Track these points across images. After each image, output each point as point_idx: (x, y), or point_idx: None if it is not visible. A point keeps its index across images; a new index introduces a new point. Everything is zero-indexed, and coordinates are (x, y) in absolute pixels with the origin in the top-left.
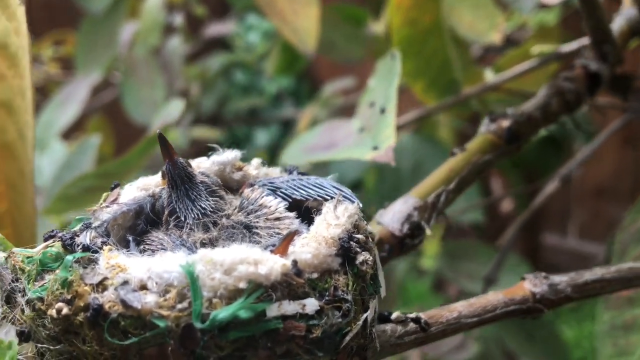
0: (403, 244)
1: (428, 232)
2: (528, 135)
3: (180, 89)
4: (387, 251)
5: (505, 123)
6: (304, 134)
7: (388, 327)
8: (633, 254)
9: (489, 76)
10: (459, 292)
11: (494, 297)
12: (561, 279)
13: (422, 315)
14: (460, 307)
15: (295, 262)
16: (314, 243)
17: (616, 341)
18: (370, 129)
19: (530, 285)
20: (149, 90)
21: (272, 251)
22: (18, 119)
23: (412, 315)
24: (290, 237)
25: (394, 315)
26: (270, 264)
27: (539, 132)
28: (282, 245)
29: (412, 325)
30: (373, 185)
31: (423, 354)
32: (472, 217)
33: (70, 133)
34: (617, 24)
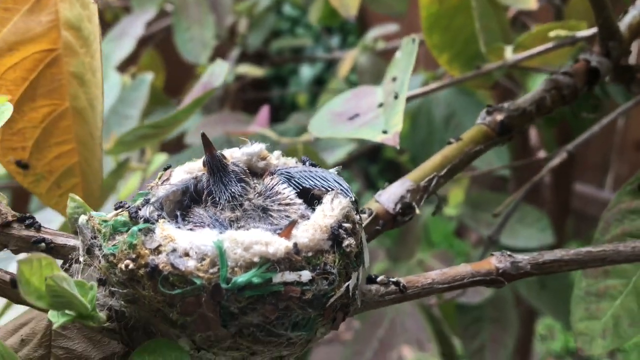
0: (395, 220)
1: (417, 211)
2: (520, 127)
3: (229, 25)
4: (381, 225)
5: (500, 117)
6: (333, 99)
7: (374, 287)
8: (613, 232)
9: (509, 54)
10: (479, 238)
11: (463, 269)
12: (523, 258)
13: (402, 280)
14: (434, 275)
15: (295, 244)
16: (311, 229)
17: (588, 306)
18: (386, 108)
19: (496, 261)
20: (198, 30)
21: (279, 234)
22: (88, 90)
23: (394, 279)
24: (292, 224)
25: (379, 278)
26: (276, 245)
27: (532, 122)
28: (286, 231)
29: (392, 287)
30: (406, 132)
31: (439, 296)
32: (500, 171)
33: (124, 65)
34: (629, 16)
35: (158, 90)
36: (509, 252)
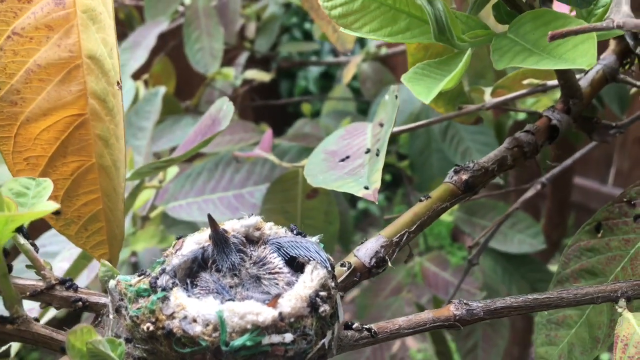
0: (370, 272)
1: (389, 264)
2: (484, 184)
3: (237, 30)
4: (359, 277)
5: (465, 176)
6: (327, 139)
7: (349, 333)
8: (572, 267)
9: (487, 96)
10: (474, 243)
11: (426, 316)
12: (477, 305)
13: (374, 327)
14: (400, 322)
15: (280, 313)
16: (293, 299)
17: (549, 332)
18: (370, 159)
19: (454, 309)
20: (208, 41)
21: (267, 304)
22: (112, 152)
23: (367, 326)
24: (277, 297)
25: (354, 325)
26: (265, 314)
27: (494, 178)
28: (273, 301)
29: (365, 332)
30: (406, 140)
31: (435, 297)
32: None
33: (138, 71)
34: (592, 72)
35: (170, 97)
36: (465, 301)
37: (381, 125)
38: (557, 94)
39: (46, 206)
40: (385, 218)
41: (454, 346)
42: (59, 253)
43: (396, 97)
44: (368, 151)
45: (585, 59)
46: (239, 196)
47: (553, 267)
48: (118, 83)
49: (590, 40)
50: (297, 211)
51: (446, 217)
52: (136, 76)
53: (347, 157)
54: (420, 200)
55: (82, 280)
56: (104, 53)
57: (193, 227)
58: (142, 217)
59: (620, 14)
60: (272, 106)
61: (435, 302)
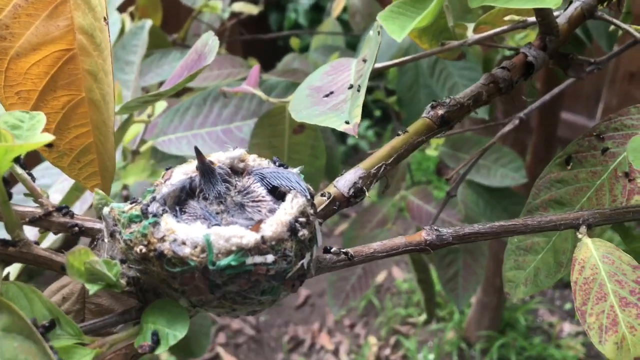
0: (349, 201)
1: (367, 194)
2: (459, 119)
3: None
4: (337, 206)
5: (441, 111)
6: (312, 75)
7: (328, 256)
8: (542, 198)
9: (469, 32)
10: (453, 174)
11: (399, 241)
12: (447, 231)
13: (350, 251)
14: (375, 246)
15: (262, 237)
16: (275, 224)
17: (517, 258)
18: (352, 95)
19: (425, 234)
20: None
21: (250, 229)
22: (101, 87)
23: (344, 250)
24: (259, 222)
25: (333, 249)
26: (248, 237)
27: (469, 113)
28: (256, 226)
29: (343, 256)
30: (394, 75)
31: (418, 228)
32: (481, 112)
33: (123, 5)
34: (571, 8)
35: (156, 30)
36: (436, 227)
37: (364, 61)
38: None
39: (42, 137)
40: (368, 152)
41: (435, 275)
42: (52, 186)
43: (379, 32)
44: (351, 87)
45: None
46: (227, 131)
47: None
48: (105, 19)
49: None
50: (284, 146)
51: (432, 152)
52: (122, 9)
53: (331, 93)
54: (398, 135)
55: (75, 212)
56: None
57: (182, 162)
58: (132, 151)
59: None
60: (261, 40)
61: None
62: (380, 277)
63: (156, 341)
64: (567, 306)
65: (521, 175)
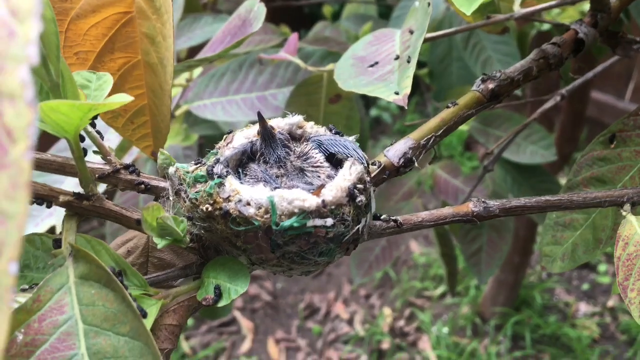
0: (398, 171)
1: (416, 164)
2: (508, 93)
3: None
4: (387, 175)
5: (491, 85)
6: (355, 44)
7: (378, 223)
8: (584, 175)
9: (516, 6)
10: (486, 152)
11: (447, 211)
12: (494, 204)
13: (399, 218)
14: (424, 215)
15: (323, 201)
16: (334, 189)
17: (555, 234)
18: (400, 65)
19: (472, 206)
20: None
21: (312, 193)
22: (159, 50)
23: (394, 217)
24: (321, 187)
25: (383, 216)
26: (310, 201)
27: (519, 88)
28: (317, 191)
29: (392, 223)
30: (426, 47)
31: (444, 202)
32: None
33: None
34: None
35: None
36: (483, 199)
37: (411, 32)
38: (585, 6)
39: (121, 98)
40: (405, 124)
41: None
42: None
43: (428, 4)
44: (397, 58)
45: None
46: (262, 98)
47: (562, 180)
48: None
49: None
50: (320, 115)
51: (463, 126)
52: None
53: (376, 63)
54: (448, 107)
55: None
56: None
57: (214, 127)
58: None
59: None
60: (289, 7)
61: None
62: (400, 249)
63: (219, 294)
64: (585, 286)
65: (551, 152)
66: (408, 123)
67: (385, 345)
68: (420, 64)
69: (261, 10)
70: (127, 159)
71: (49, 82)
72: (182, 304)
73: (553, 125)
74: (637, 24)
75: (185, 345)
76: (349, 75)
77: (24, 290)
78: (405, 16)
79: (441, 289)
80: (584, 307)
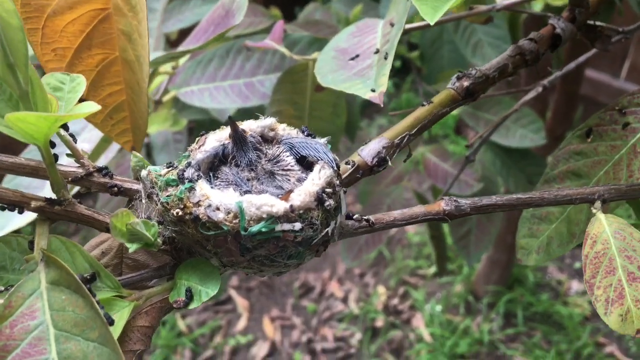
0: (372, 170)
1: (389, 163)
2: (483, 90)
3: None
4: (361, 174)
5: (466, 83)
6: (338, 35)
7: (350, 222)
8: (561, 168)
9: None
10: (474, 135)
11: (418, 210)
12: (465, 202)
13: (372, 218)
14: (395, 214)
15: (291, 206)
16: (303, 194)
17: (531, 226)
18: (379, 61)
19: (444, 204)
20: None
21: (280, 198)
22: (135, 47)
23: (366, 217)
24: (289, 193)
25: (355, 216)
26: (278, 206)
27: (493, 85)
28: (285, 196)
29: (364, 222)
30: (419, 33)
31: (434, 186)
32: None
33: None
34: None
35: None
36: (454, 198)
37: (392, 25)
38: None
39: (88, 107)
40: (390, 114)
41: (447, 231)
42: (80, 134)
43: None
44: (377, 51)
45: None
46: (250, 84)
47: None
48: None
49: None
50: (306, 102)
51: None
52: None
53: (357, 56)
54: (422, 105)
55: (100, 162)
56: None
57: (203, 112)
58: (155, 101)
59: None
60: None
61: (434, 191)
62: (392, 229)
63: (190, 297)
64: (577, 265)
65: (540, 136)
66: (392, 113)
67: (380, 323)
68: (413, 46)
69: (243, 3)
70: (111, 151)
71: (18, 90)
72: (154, 305)
73: (547, 106)
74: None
75: (181, 324)
76: (330, 69)
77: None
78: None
79: (435, 267)
80: (576, 285)
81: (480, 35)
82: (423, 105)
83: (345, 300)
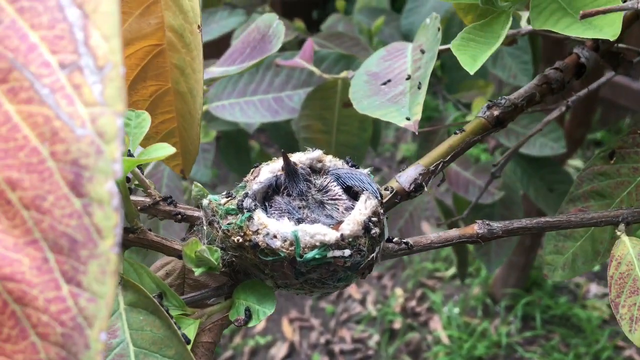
0: (409, 195)
1: (426, 189)
2: (512, 119)
3: None
4: (399, 199)
5: (496, 112)
6: (369, 58)
7: (390, 245)
8: (585, 188)
9: (523, 23)
10: (497, 144)
11: (453, 233)
12: (497, 226)
13: (410, 240)
14: (432, 237)
15: (342, 235)
16: (352, 223)
17: (557, 243)
18: (411, 89)
19: (477, 227)
20: None
21: (332, 227)
22: (188, 81)
23: (405, 240)
24: (339, 223)
25: (395, 239)
26: (330, 235)
27: (522, 112)
28: (336, 225)
29: (403, 245)
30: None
31: (454, 194)
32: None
33: None
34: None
35: None
36: (487, 222)
37: (422, 51)
38: None
39: (164, 150)
40: (416, 132)
41: None
42: None
43: (438, 29)
44: (409, 77)
45: (611, 29)
46: (279, 99)
47: (574, 162)
48: (199, 26)
49: (617, 13)
50: (334, 118)
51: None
52: None
53: (389, 81)
54: (455, 134)
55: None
56: None
57: (231, 124)
58: None
59: None
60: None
61: (455, 199)
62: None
63: (249, 316)
64: (595, 268)
65: (561, 145)
66: (419, 130)
67: (397, 325)
68: None
69: (279, 29)
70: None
71: None
72: (216, 322)
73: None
74: None
75: None
76: (364, 94)
77: None
78: (417, 9)
79: (452, 270)
80: (594, 288)
81: (501, 47)
82: (455, 133)
83: (363, 302)
